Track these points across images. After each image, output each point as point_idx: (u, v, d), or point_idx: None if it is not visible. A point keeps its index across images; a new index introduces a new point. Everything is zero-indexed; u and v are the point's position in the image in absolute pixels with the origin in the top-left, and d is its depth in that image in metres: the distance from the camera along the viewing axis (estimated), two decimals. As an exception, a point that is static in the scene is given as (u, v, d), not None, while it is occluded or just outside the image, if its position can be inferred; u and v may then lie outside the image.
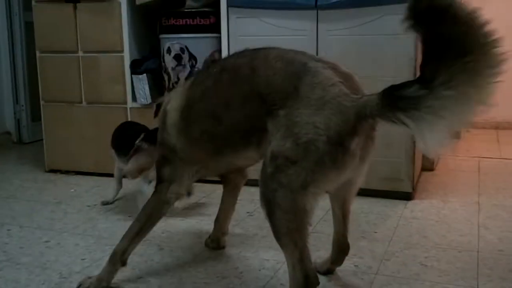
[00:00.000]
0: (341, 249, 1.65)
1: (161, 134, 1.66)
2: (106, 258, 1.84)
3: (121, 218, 2.27)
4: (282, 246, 1.37)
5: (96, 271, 1.73)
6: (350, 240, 1.96)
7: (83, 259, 1.84)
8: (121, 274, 1.71)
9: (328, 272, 1.68)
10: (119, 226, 2.16)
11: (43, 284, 1.65)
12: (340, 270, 1.72)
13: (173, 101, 1.61)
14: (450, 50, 1.12)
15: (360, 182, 1.52)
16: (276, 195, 1.32)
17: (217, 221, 1.91)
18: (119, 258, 1.61)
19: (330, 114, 1.27)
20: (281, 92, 1.35)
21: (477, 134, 4.05)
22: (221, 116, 1.47)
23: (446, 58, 1.13)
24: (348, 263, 1.77)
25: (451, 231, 2.05)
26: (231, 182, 1.87)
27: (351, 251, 1.85)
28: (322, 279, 1.65)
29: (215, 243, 1.91)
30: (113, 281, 1.63)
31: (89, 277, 1.62)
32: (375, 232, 2.05)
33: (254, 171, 1.56)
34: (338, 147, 1.27)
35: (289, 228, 1.33)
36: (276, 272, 1.71)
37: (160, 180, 1.63)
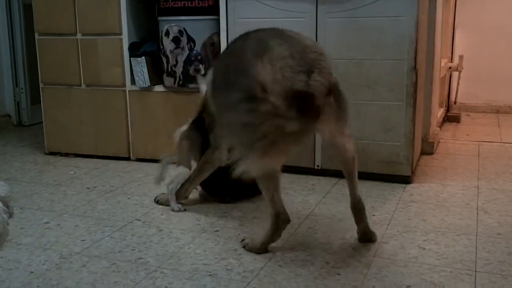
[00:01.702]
0: (354, 206, 1.79)
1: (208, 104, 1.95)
2: (106, 239, 1.86)
3: (120, 200, 2.28)
4: (261, 188, 1.73)
5: (96, 252, 1.75)
6: (347, 222, 1.97)
7: (83, 240, 1.85)
8: (120, 255, 1.73)
9: (365, 238, 1.80)
10: (118, 208, 2.17)
11: (43, 264, 1.66)
12: (338, 252, 1.73)
13: (208, 75, 1.90)
14: None
15: (336, 139, 1.67)
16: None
17: None
18: (182, 194, 2.14)
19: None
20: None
21: (477, 118, 4.04)
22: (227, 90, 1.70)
23: None
24: (346, 246, 1.78)
25: (449, 215, 2.05)
26: None
27: (348, 234, 1.87)
28: (320, 262, 1.67)
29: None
30: (111, 259, 1.65)
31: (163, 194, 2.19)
32: (373, 215, 2.06)
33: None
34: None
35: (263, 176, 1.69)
36: (275, 253, 1.72)
37: (210, 144, 2.03)
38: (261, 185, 1.70)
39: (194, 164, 2.11)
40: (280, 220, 1.72)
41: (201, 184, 2.19)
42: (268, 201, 1.71)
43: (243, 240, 1.79)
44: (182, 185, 2.14)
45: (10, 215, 1.35)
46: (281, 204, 1.73)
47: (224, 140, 1.86)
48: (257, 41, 1.60)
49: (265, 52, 1.51)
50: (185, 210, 2.12)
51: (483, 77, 4.16)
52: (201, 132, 2.07)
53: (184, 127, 2.12)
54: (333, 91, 1.57)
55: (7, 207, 1.33)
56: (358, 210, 1.80)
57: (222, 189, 2.19)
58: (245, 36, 1.68)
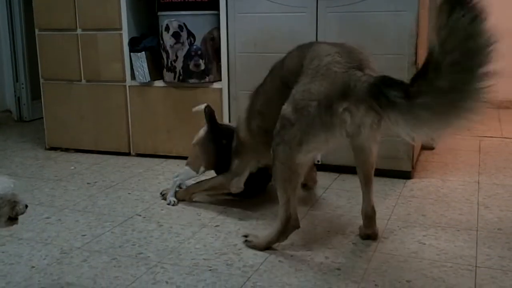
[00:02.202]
0: (365, 214, 1.78)
1: (237, 130, 2.00)
2: (107, 234, 1.86)
3: (120, 195, 2.28)
4: (276, 189, 1.65)
5: (96, 247, 1.75)
6: (348, 217, 1.97)
7: (83, 235, 1.85)
8: (121, 250, 1.73)
9: (368, 237, 1.78)
10: (119, 203, 2.17)
11: (44, 259, 1.67)
12: (338, 247, 1.73)
13: (245, 105, 1.96)
14: (448, 73, 1.23)
15: (372, 149, 1.68)
16: (277, 148, 1.59)
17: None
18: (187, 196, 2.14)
19: (321, 79, 1.47)
20: (295, 72, 1.59)
21: (478, 114, 4.02)
22: (264, 112, 1.79)
23: (437, 81, 1.24)
24: (346, 241, 1.78)
25: (450, 210, 2.05)
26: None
27: (348, 229, 1.87)
28: (320, 257, 1.67)
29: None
30: (112, 254, 1.65)
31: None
32: (374, 210, 2.06)
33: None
34: (327, 110, 1.46)
35: (283, 176, 1.61)
36: (274, 249, 1.72)
37: (230, 169, 2.01)
38: (281, 185, 1.63)
39: (201, 169, 2.12)
40: (290, 225, 1.66)
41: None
42: (282, 203, 1.64)
43: (246, 236, 1.77)
44: (189, 187, 2.17)
45: (18, 213, 1.34)
46: (295, 209, 1.66)
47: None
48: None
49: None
50: (177, 204, 2.13)
51: (484, 72, 4.14)
52: (216, 145, 2.08)
53: (202, 133, 2.13)
54: None
55: (13, 206, 1.32)
56: (369, 216, 1.77)
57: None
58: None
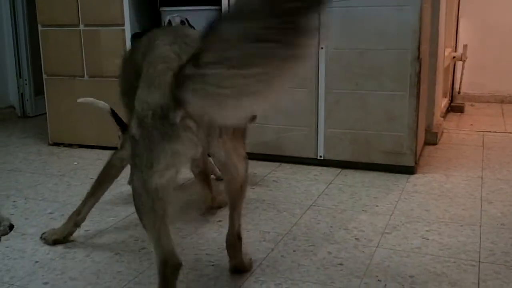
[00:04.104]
0: (229, 242, 1.54)
1: None
2: (110, 229, 1.87)
3: (123, 190, 2.28)
4: (143, 226, 1.34)
5: (99, 242, 1.76)
6: (350, 213, 1.97)
7: (86, 230, 1.86)
8: (124, 245, 1.73)
9: (235, 268, 1.55)
10: (122, 198, 2.18)
11: (48, 254, 1.68)
12: (341, 243, 1.73)
13: None
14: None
15: (237, 165, 1.42)
16: (132, 178, 1.32)
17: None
18: (74, 218, 1.78)
19: (154, 90, 1.24)
20: (138, 71, 1.38)
21: (481, 108, 4.01)
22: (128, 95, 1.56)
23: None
24: (349, 236, 1.78)
25: (453, 205, 2.05)
26: None
27: (351, 224, 1.87)
28: (322, 252, 1.67)
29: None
30: (115, 249, 1.66)
31: (53, 229, 1.81)
32: (377, 206, 2.06)
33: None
34: (164, 121, 1.21)
35: (144, 209, 1.30)
36: (277, 244, 1.73)
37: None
38: (146, 221, 1.31)
39: None
40: (169, 269, 1.31)
41: None
42: (154, 243, 1.32)
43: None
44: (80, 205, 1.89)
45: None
46: (171, 244, 1.32)
47: None
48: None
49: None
50: None
51: (488, 66, 4.13)
52: None
53: None
54: None
55: None
56: (232, 245, 1.54)
57: None
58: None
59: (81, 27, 2.89)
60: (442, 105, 3.52)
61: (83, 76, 2.95)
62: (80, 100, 2.13)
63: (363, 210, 2.01)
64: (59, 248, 1.72)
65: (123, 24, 2.79)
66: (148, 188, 1.26)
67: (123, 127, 2.08)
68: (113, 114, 2.15)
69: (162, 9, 2.71)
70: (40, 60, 3.05)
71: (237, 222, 1.51)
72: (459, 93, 4.23)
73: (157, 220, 1.29)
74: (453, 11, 3.89)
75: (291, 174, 2.45)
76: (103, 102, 2.14)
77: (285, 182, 2.35)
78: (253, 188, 2.26)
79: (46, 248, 1.72)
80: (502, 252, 1.64)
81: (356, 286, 1.46)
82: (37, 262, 1.63)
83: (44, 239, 1.77)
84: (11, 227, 1.29)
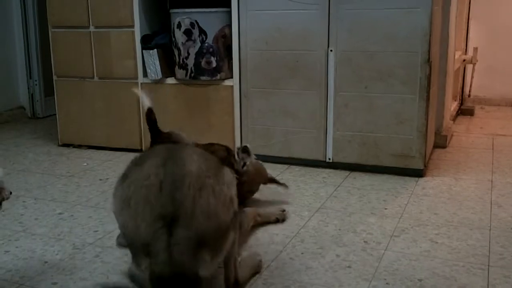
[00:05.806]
0: None
1: None
2: (119, 230, 1.87)
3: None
4: None
5: (108, 243, 1.77)
6: (359, 215, 1.96)
7: (95, 231, 1.87)
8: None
9: None
10: (131, 200, 2.19)
11: (57, 254, 1.69)
12: (349, 246, 1.72)
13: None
14: None
15: None
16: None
17: None
18: None
19: (131, 220, 1.24)
20: None
21: (491, 111, 3.99)
22: None
23: None
24: (357, 239, 1.77)
25: (462, 209, 2.04)
26: None
27: (359, 227, 1.86)
28: (331, 255, 1.66)
29: None
30: (124, 250, 1.67)
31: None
32: (385, 209, 2.05)
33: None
34: (136, 254, 1.26)
35: None
36: (285, 246, 1.72)
37: None
38: None
39: None
40: None
41: None
42: None
43: None
44: None
45: (4, 198, 1.39)
46: None
47: None
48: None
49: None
50: None
51: (498, 69, 4.11)
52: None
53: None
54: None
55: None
56: None
57: None
58: None
59: (91, 28, 2.91)
60: (452, 108, 3.50)
61: (93, 78, 2.97)
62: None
63: (371, 213, 2.01)
64: (68, 248, 1.73)
65: (133, 26, 2.81)
66: None
67: (154, 134, 1.99)
68: (149, 114, 2.00)
69: (172, 11, 2.72)
70: (50, 61, 3.08)
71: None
72: (469, 96, 4.20)
73: None
74: (463, 13, 3.87)
75: (299, 177, 2.45)
76: (148, 99, 2.02)
77: (294, 185, 2.34)
78: (260, 191, 2.26)
79: (55, 248, 1.73)
80: (512, 257, 1.63)
81: (364, 289, 1.45)
82: (46, 262, 1.64)
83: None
84: (10, 192, 1.41)
